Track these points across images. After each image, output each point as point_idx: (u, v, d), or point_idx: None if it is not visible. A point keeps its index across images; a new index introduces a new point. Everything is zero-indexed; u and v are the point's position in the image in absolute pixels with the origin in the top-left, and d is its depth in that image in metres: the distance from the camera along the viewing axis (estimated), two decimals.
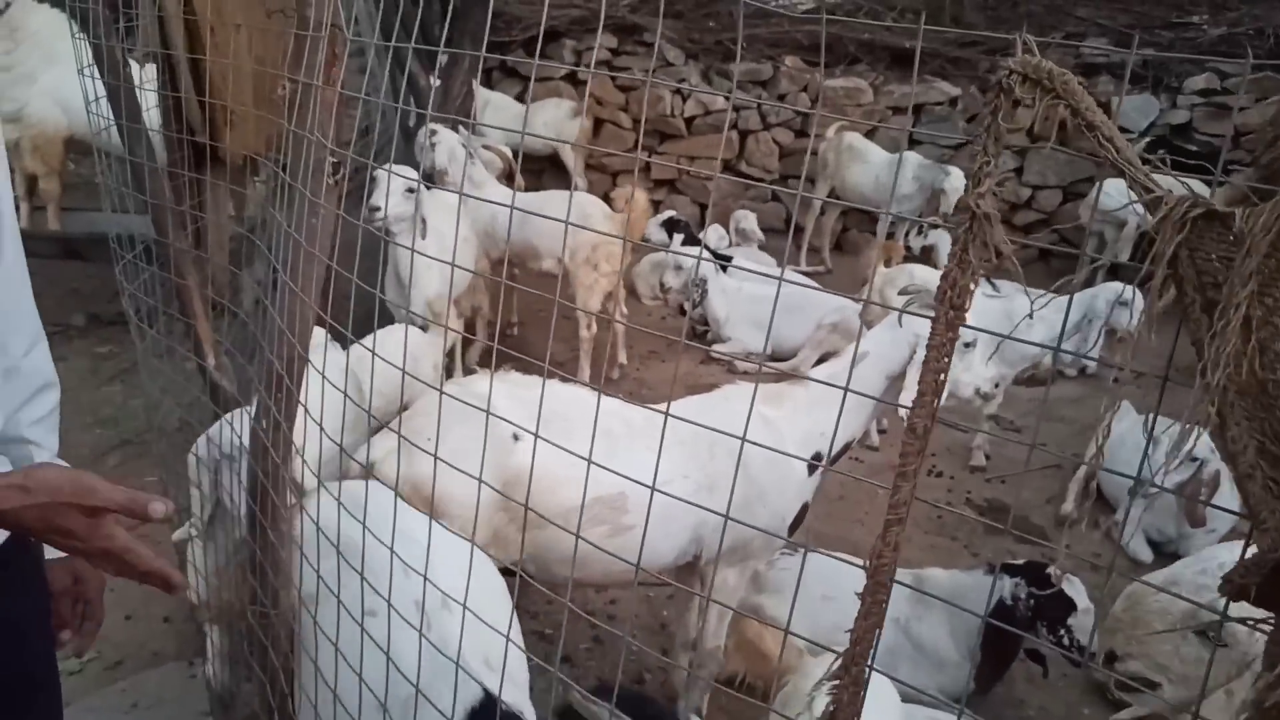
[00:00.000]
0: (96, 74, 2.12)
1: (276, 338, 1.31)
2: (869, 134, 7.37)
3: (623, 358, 5.19)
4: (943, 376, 0.66)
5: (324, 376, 1.20)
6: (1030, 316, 3.52)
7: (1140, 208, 0.62)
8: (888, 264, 5.14)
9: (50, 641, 1.34)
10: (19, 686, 1.24)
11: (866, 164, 6.74)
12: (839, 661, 0.74)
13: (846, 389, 0.95)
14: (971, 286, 0.64)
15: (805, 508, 2.53)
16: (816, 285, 5.36)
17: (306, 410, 1.28)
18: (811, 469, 2.46)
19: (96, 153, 2.42)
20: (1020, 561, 2.76)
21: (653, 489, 1.03)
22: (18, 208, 5.14)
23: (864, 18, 8.37)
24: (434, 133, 4.34)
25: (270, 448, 1.32)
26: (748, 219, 6.59)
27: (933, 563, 3.12)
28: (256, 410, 1.38)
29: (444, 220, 4.09)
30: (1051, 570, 2.69)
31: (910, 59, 7.91)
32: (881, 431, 4.58)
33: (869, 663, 0.74)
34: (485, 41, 1.19)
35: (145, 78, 2.58)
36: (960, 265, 0.63)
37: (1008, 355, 4.03)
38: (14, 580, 1.20)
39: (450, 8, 1.65)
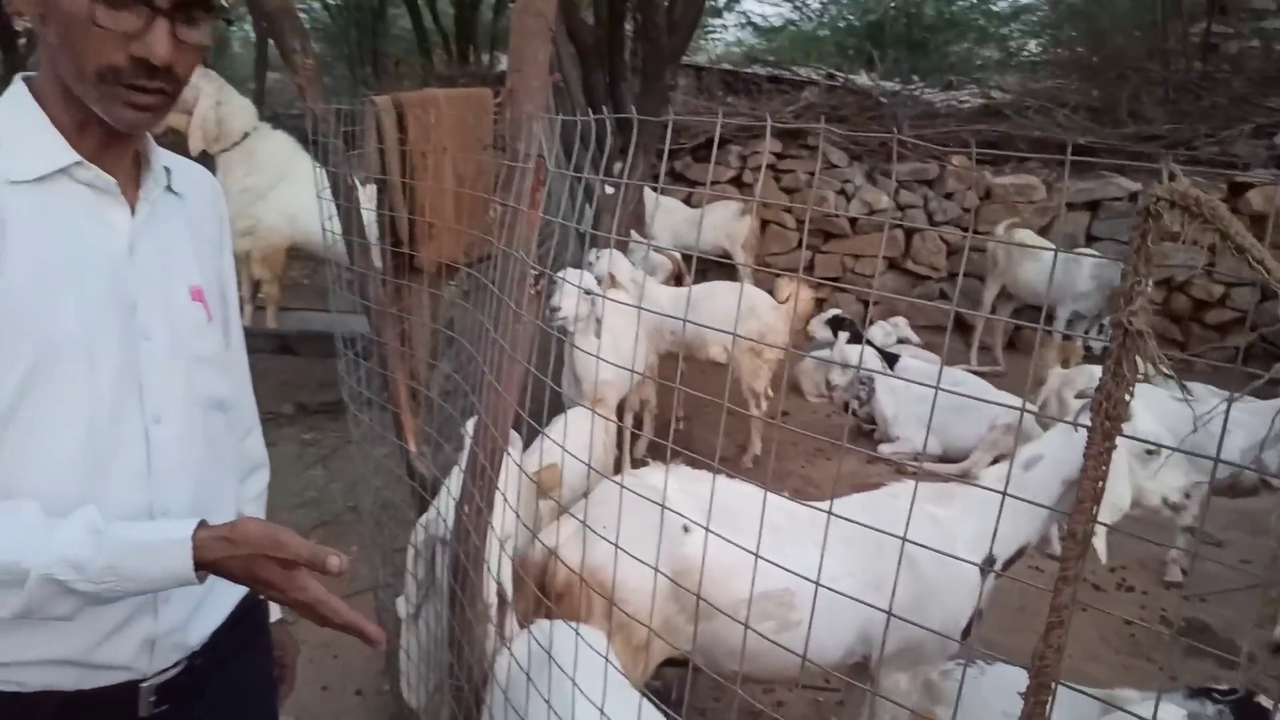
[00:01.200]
0: (330, 196, 2.45)
1: (480, 431, 1.47)
2: (1043, 230, 7.18)
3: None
4: (1101, 484, 0.70)
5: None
6: (1211, 426, 3.32)
7: None
8: (1065, 364, 4.94)
9: (276, 695, 1.51)
10: None
11: (1038, 261, 6.55)
12: None
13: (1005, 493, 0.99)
14: (1127, 398, 0.69)
15: (979, 613, 2.47)
16: (989, 386, 5.23)
17: (505, 499, 1.42)
18: (985, 572, 2.41)
19: (329, 264, 2.76)
20: (1224, 687, 2.54)
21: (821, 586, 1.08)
22: (242, 309, 5.81)
23: (1033, 115, 8.26)
24: (597, 256, 4.76)
25: (472, 530, 1.46)
26: (901, 325, 6.58)
27: (1125, 684, 2.91)
28: (461, 495, 1.54)
29: (616, 318, 4.33)
30: (1261, 700, 2.48)
31: (1084, 155, 7.73)
32: (1063, 538, 4.34)
33: None
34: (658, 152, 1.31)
35: (366, 197, 2.94)
36: (1115, 379, 0.68)
37: (1200, 462, 3.77)
38: (244, 636, 1.35)
39: (618, 118, 1.78)
